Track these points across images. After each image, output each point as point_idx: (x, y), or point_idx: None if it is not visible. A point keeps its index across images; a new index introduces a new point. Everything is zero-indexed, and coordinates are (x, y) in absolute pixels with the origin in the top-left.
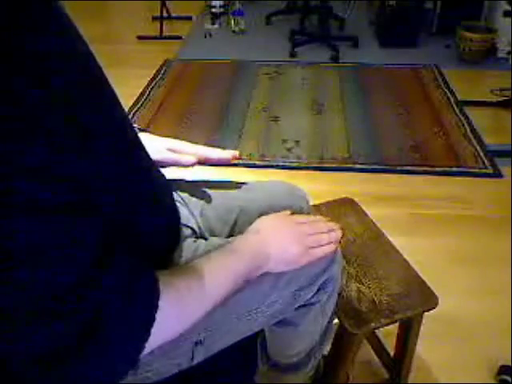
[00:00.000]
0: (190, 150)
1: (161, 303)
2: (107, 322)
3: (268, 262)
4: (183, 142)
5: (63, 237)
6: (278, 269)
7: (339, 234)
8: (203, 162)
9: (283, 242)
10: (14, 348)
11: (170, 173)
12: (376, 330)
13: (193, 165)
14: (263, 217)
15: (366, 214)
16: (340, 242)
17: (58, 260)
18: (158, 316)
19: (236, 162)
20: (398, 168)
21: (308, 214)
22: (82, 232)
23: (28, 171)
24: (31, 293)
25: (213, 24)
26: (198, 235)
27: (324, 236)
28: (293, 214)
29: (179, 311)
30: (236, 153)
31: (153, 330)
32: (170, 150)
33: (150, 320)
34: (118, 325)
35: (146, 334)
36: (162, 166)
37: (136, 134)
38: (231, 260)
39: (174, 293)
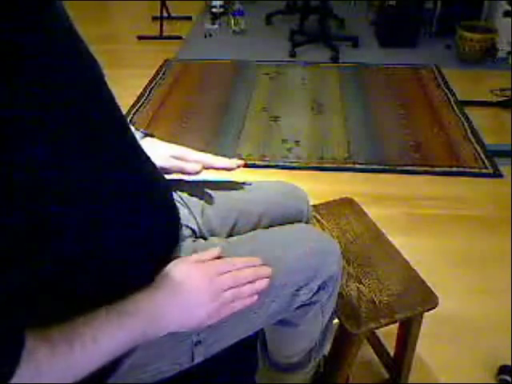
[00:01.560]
0: (194, 158)
1: (15, 379)
2: None
3: (164, 328)
4: (188, 148)
5: None
6: (179, 330)
7: (265, 283)
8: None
9: (189, 303)
10: None
11: (171, 176)
12: (376, 330)
13: (198, 173)
14: (175, 264)
15: (365, 214)
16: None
17: None
18: None
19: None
20: (398, 168)
21: (307, 219)
22: None
23: (28, 170)
24: None
25: (213, 24)
26: (197, 235)
27: (245, 288)
28: (218, 258)
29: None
30: (241, 162)
31: None
32: (174, 157)
33: None
34: None
35: None
36: (167, 173)
37: (133, 134)
38: (116, 328)
39: (32, 370)
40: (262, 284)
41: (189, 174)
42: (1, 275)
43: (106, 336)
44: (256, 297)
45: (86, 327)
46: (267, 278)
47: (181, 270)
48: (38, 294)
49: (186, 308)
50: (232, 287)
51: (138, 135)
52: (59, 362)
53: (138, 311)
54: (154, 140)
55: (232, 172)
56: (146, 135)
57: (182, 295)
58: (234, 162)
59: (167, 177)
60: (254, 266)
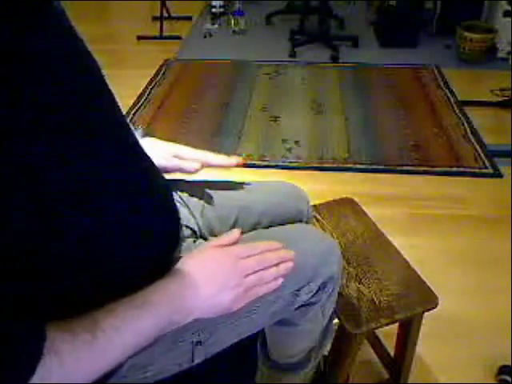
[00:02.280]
0: (193, 156)
1: (38, 372)
2: None
3: (189, 315)
4: (187, 147)
5: None
6: (204, 317)
7: (290, 265)
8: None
9: (213, 288)
10: None
11: (171, 175)
12: (376, 330)
13: (196, 171)
14: (196, 252)
15: (365, 214)
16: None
17: None
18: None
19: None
20: (398, 168)
21: (307, 219)
22: None
23: (28, 170)
24: None
25: (213, 24)
26: (197, 236)
27: (270, 271)
28: (234, 243)
29: (58, 377)
30: (239, 159)
31: None
32: (173, 155)
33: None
34: None
35: None
36: (166, 172)
37: (134, 134)
38: (138, 318)
39: (55, 362)
40: (286, 267)
41: (188, 172)
42: (4, 274)
43: (128, 325)
44: (281, 280)
45: (107, 317)
46: (291, 260)
47: (201, 255)
48: (38, 295)
49: (210, 294)
50: (256, 271)
51: (137, 134)
52: (82, 353)
53: (160, 300)
54: (153, 139)
55: (232, 171)
56: (145, 135)
57: (204, 281)
58: (233, 159)
59: (167, 177)
60: (277, 250)
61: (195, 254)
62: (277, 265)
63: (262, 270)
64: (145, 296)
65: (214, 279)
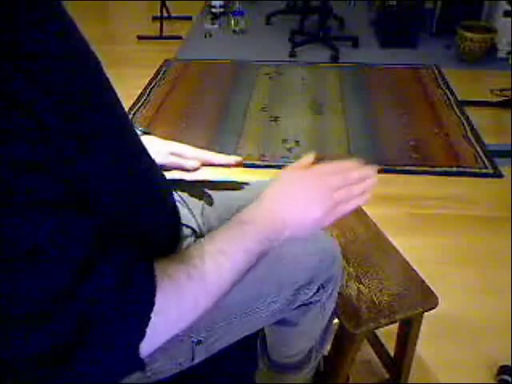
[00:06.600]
0: (193, 155)
1: (158, 299)
2: (102, 320)
3: (284, 230)
4: (186, 145)
5: (59, 235)
6: (296, 236)
7: (374, 181)
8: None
9: (304, 205)
10: (9, 349)
11: (171, 173)
12: (376, 330)
13: (196, 169)
14: (284, 173)
15: (365, 214)
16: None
17: (53, 258)
18: (155, 313)
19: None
20: (398, 168)
21: None
22: (77, 231)
23: (28, 170)
24: (26, 291)
25: (213, 24)
26: (197, 235)
27: (355, 188)
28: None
29: (178, 304)
30: (239, 158)
31: (151, 327)
32: (172, 153)
33: (146, 318)
34: (113, 323)
35: (141, 331)
36: (166, 170)
37: (137, 134)
38: (239, 236)
39: (170, 286)
40: (371, 182)
41: (187, 170)
42: None
43: (232, 246)
44: (368, 195)
45: (210, 244)
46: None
47: (289, 174)
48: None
49: (301, 205)
50: (341, 188)
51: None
52: (195, 278)
53: (253, 218)
54: (152, 137)
55: (232, 171)
56: (144, 133)
57: (294, 194)
58: (233, 158)
59: (167, 176)
60: (359, 168)
61: (281, 176)
62: (361, 181)
63: (348, 185)
64: (239, 217)
65: (303, 192)
